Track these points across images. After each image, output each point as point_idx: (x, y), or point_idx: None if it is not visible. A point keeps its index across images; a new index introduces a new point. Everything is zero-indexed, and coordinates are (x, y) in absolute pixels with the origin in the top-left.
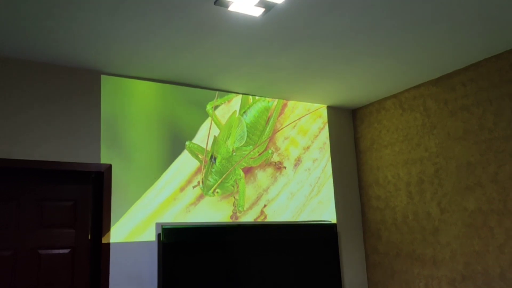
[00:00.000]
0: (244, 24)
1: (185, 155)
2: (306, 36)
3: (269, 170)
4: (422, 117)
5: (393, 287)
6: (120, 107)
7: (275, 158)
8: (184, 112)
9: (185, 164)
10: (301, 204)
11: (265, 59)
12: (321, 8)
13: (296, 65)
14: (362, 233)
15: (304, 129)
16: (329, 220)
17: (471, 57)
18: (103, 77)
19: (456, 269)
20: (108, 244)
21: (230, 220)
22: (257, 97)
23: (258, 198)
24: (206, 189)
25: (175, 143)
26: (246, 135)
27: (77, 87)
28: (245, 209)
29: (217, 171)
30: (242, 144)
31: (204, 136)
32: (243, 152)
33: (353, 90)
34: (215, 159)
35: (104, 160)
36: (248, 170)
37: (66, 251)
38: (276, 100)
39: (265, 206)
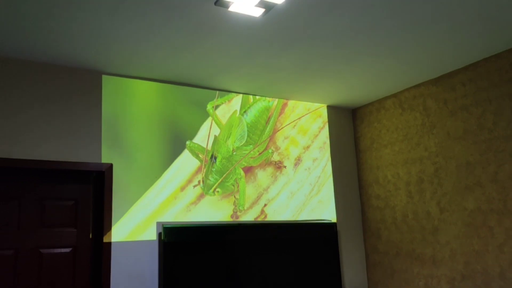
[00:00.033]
0: (244, 24)
1: (185, 155)
2: (306, 36)
3: (269, 169)
4: (422, 117)
5: (393, 287)
6: (121, 106)
7: (275, 157)
8: (184, 112)
9: (185, 163)
10: (301, 203)
11: (265, 59)
12: (321, 8)
13: (296, 65)
14: (362, 232)
15: (304, 128)
16: (329, 219)
17: (471, 57)
18: (104, 77)
19: (456, 269)
20: (109, 243)
21: (231, 219)
22: (257, 97)
23: (258, 198)
24: (207, 188)
25: (175, 142)
26: (246, 135)
27: (78, 87)
28: (245, 208)
29: (217, 170)
30: (242, 143)
31: (204, 135)
32: (244, 152)
33: (353, 90)
34: (215, 158)
35: (105, 159)
36: (248, 170)
37: (67, 250)
38: (277, 99)
39: (265, 205)
